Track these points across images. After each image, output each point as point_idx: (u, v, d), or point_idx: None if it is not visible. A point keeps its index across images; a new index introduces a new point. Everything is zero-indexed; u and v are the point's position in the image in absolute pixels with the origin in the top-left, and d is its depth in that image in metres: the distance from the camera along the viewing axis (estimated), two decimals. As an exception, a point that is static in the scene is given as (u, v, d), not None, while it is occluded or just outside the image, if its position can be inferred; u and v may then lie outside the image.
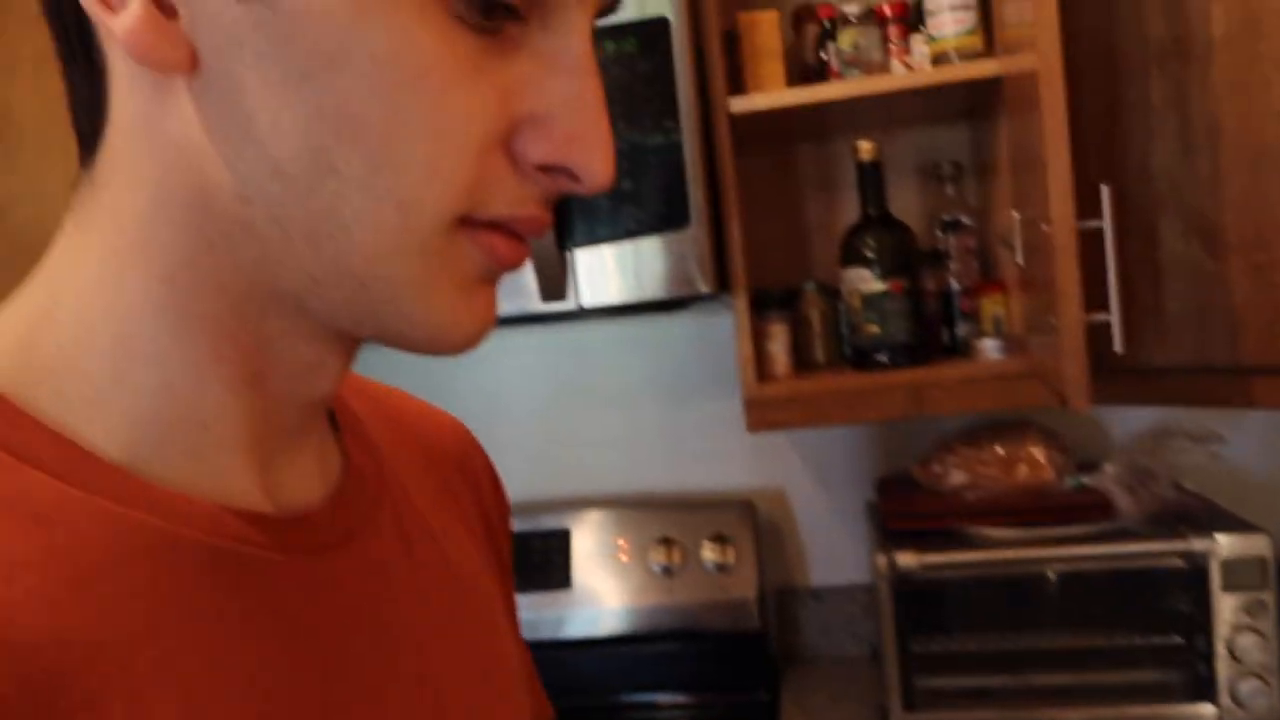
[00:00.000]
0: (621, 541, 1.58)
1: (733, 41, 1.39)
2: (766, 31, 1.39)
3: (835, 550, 1.65)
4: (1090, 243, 1.06)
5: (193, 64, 0.32)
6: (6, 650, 0.29)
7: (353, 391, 0.49)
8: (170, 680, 0.32)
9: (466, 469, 0.54)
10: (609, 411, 1.68)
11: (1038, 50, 1.01)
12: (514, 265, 0.37)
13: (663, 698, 1.56)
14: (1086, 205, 1.10)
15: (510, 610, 0.55)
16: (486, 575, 0.50)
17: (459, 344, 0.36)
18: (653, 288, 1.26)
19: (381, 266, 0.34)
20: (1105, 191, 1.03)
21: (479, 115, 0.33)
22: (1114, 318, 1.02)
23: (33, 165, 1.51)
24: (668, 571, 1.56)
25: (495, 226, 0.35)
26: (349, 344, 0.39)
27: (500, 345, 1.70)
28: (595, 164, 0.35)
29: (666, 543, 1.57)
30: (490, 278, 0.37)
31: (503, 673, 0.48)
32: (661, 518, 1.59)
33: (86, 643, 0.31)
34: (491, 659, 0.47)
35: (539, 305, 1.28)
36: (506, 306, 1.26)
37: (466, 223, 0.35)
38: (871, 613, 1.60)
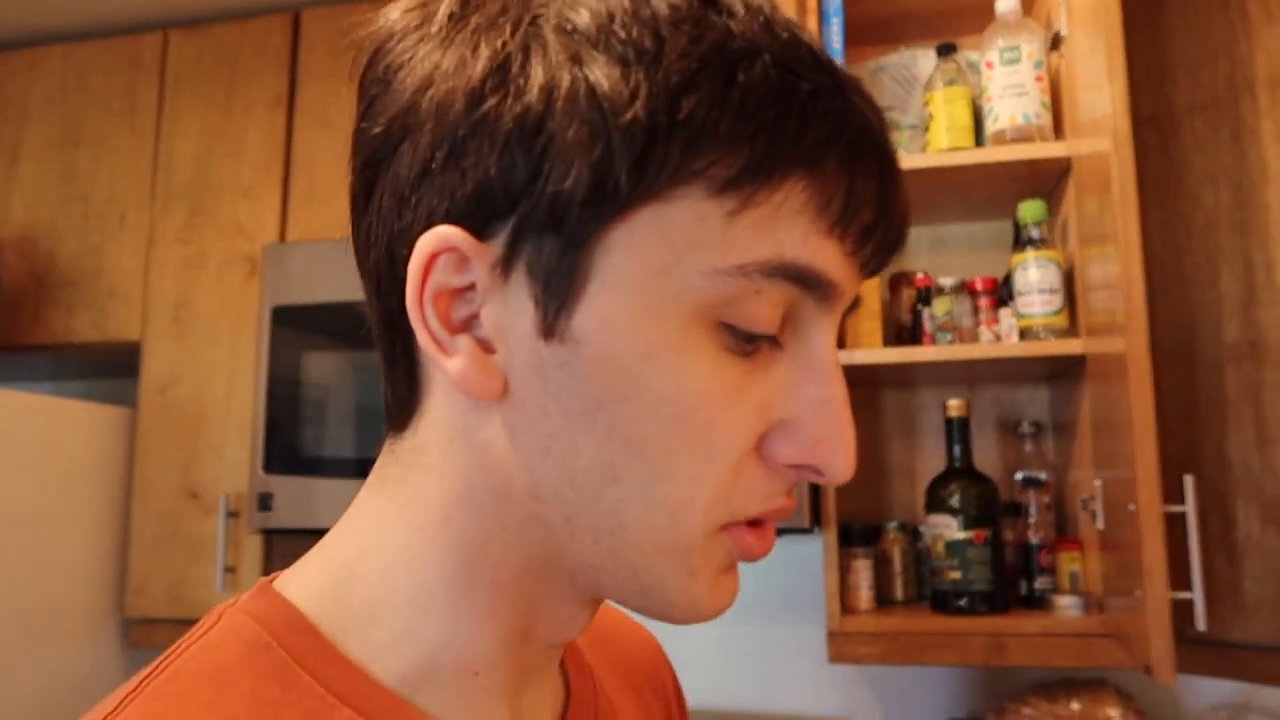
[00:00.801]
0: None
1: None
2: (867, 293, 1.55)
3: (901, 792, 1.66)
4: (1171, 522, 1.15)
5: (505, 392, 0.39)
6: None
7: None
8: None
9: (656, 681, 0.60)
10: (690, 629, 1.74)
11: (1129, 336, 1.14)
12: (761, 556, 0.41)
13: None
14: (1169, 489, 1.20)
15: None
16: None
17: (708, 617, 0.41)
18: (754, 517, 1.36)
19: (653, 561, 0.39)
20: (1189, 481, 1.12)
21: (742, 433, 0.38)
22: (1197, 596, 1.09)
23: (200, 352, 1.68)
24: (734, 796, 1.57)
25: (749, 523, 0.40)
26: (599, 603, 0.45)
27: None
28: (839, 462, 0.39)
29: (735, 765, 1.59)
30: (736, 564, 0.42)
31: None
32: (732, 739, 1.62)
33: None
34: None
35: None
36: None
37: (728, 525, 0.40)
38: None
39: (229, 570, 1.59)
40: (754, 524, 0.40)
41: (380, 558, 0.42)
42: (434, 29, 0.39)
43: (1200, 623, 1.10)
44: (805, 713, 1.70)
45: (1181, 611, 1.16)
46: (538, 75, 0.36)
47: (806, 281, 0.38)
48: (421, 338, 0.39)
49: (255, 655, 0.39)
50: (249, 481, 1.56)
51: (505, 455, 0.39)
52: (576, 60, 0.36)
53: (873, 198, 0.38)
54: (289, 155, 1.70)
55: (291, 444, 1.53)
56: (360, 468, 1.51)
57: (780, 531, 1.49)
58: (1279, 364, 1.22)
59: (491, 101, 0.37)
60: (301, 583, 0.42)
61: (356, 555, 0.42)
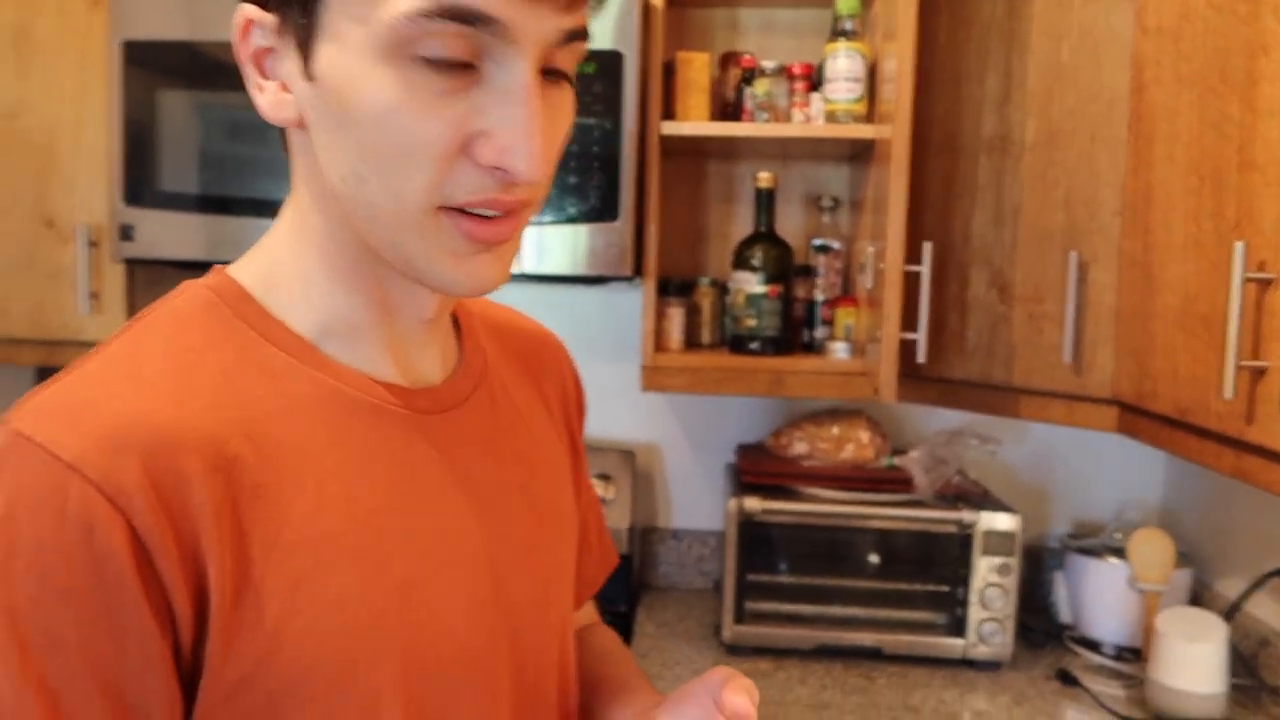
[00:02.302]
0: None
1: (669, 73, 1.70)
2: (698, 69, 1.71)
3: (695, 500, 2.00)
4: (915, 280, 1.42)
5: (301, 123, 0.55)
6: (235, 446, 0.52)
7: (478, 308, 0.75)
8: (323, 475, 0.54)
9: (555, 372, 0.78)
10: (525, 362, 1.98)
11: (894, 126, 1.36)
12: (491, 240, 0.54)
13: (539, 603, 1.86)
14: (918, 253, 1.46)
15: (580, 474, 0.79)
16: (559, 446, 0.75)
17: (467, 293, 0.56)
18: (582, 265, 1.56)
19: (399, 237, 0.54)
20: (927, 246, 1.39)
21: (438, 137, 0.51)
22: (921, 336, 1.38)
23: (43, 79, 1.69)
24: (556, 501, 1.87)
25: (465, 213, 0.53)
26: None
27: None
28: (520, 164, 0.51)
29: (559, 477, 1.87)
30: (480, 250, 0.54)
31: (563, 516, 0.71)
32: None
33: (280, 444, 0.54)
34: (555, 505, 0.70)
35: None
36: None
37: (443, 209, 0.53)
38: (718, 554, 1.95)
39: (93, 296, 1.69)
40: (481, 218, 0.54)
41: (289, 247, 0.60)
42: None
43: (921, 355, 1.40)
44: (622, 438, 1.99)
45: (913, 351, 1.46)
46: None
47: (469, 20, 0.49)
48: (249, 84, 0.56)
49: (207, 310, 0.57)
50: (109, 213, 1.64)
51: (318, 167, 0.56)
52: None
53: None
54: (131, -119, 1.66)
55: (150, 178, 1.60)
56: (214, 204, 1.61)
57: (604, 280, 1.70)
58: (1019, 157, 1.47)
59: None
60: (241, 267, 0.61)
61: (274, 245, 0.60)
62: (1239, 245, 1.01)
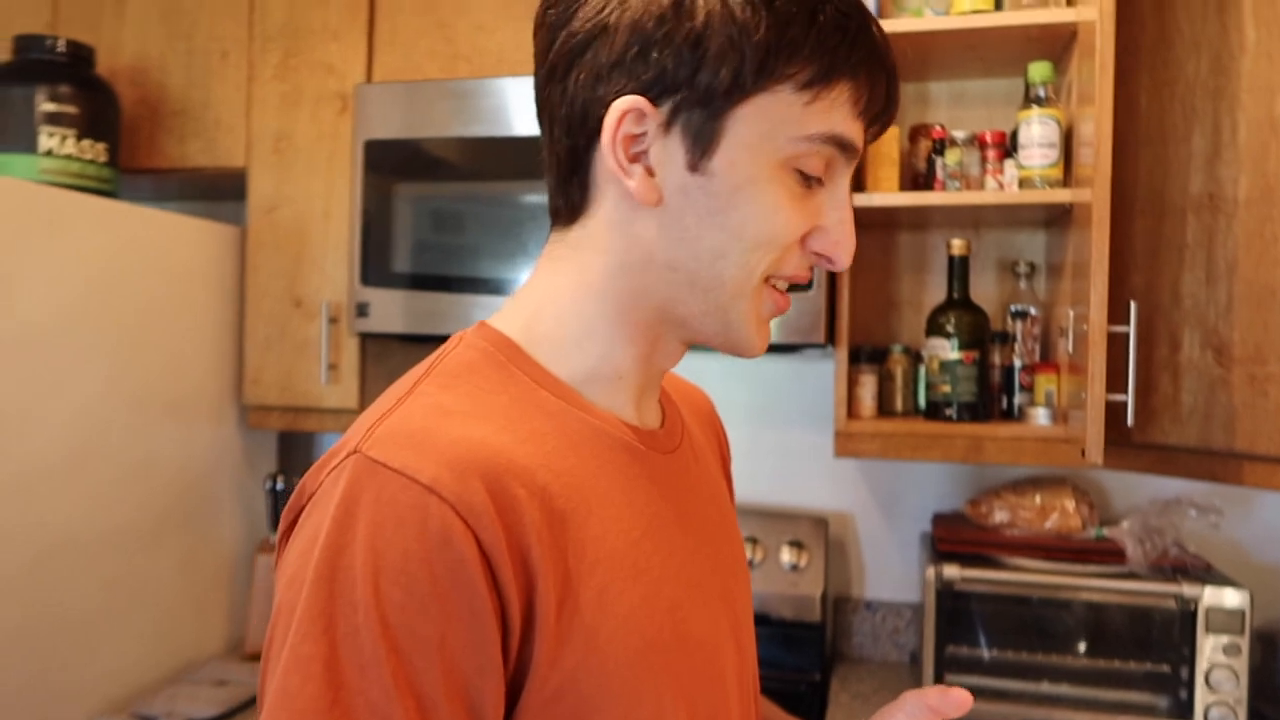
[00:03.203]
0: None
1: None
2: (887, 142, 1.75)
3: (890, 570, 1.97)
4: (1123, 343, 1.39)
5: (660, 201, 0.63)
6: (542, 476, 0.58)
7: None
8: (603, 503, 0.61)
9: (710, 420, 0.88)
10: (733, 432, 2.03)
11: (1094, 188, 1.35)
12: (785, 309, 0.68)
13: (733, 668, 1.88)
14: (1123, 314, 1.43)
15: None
16: (726, 491, 0.83)
17: (755, 353, 0.67)
18: (778, 333, 1.62)
19: (730, 302, 0.65)
20: (1133, 306, 1.35)
21: (797, 228, 0.64)
22: (1129, 399, 1.34)
23: (300, 179, 1.92)
24: (750, 565, 1.89)
25: (772, 286, 0.66)
26: (688, 347, 0.72)
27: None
28: (844, 258, 0.66)
29: (752, 541, 1.90)
30: (772, 318, 0.68)
31: (742, 552, 0.80)
32: (751, 521, 1.93)
33: (571, 475, 0.60)
34: (739, 543, 0.79)
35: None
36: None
37: (768, 280, 0.66)
38: (914, 626, 1.91)
39: (332, 367, 1.87)
40: (779, 291, 0.67)
41: (556, 305, 0.68)
42: None
43: (1130, 419, 1.36)
44: (815, 506, 2.00)
45: (1122, 415, 1.41)
46: (701, 9, 0.60)
47: (844, 146, 0.63)
48: (611, 164, 0.63)
49: (486, 359, 0.66)
50: (348, 292, 1.83)
51: (653, 241, 0.64)
52: (726, 2, 0.60)
53: (882, 95, 0.65)
54: (372, 4, 1.89)
55: (383, 261, 1.78)
56: (437, 282, 1.77)
57: (800, 348, 1.75)
58: (1230, 214, 1.42)
59: (672, 22, 0.61)
60: (502, 322, 0.69)
61: (539, 303, 0.68)
62: None
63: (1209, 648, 1.50)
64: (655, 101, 0.61)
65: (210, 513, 1.92)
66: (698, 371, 2.06)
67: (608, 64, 0.62)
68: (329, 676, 0.51)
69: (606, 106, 0.62)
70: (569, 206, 0.67)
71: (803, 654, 1.86)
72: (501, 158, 1.76)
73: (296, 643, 0.52)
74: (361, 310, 1.79)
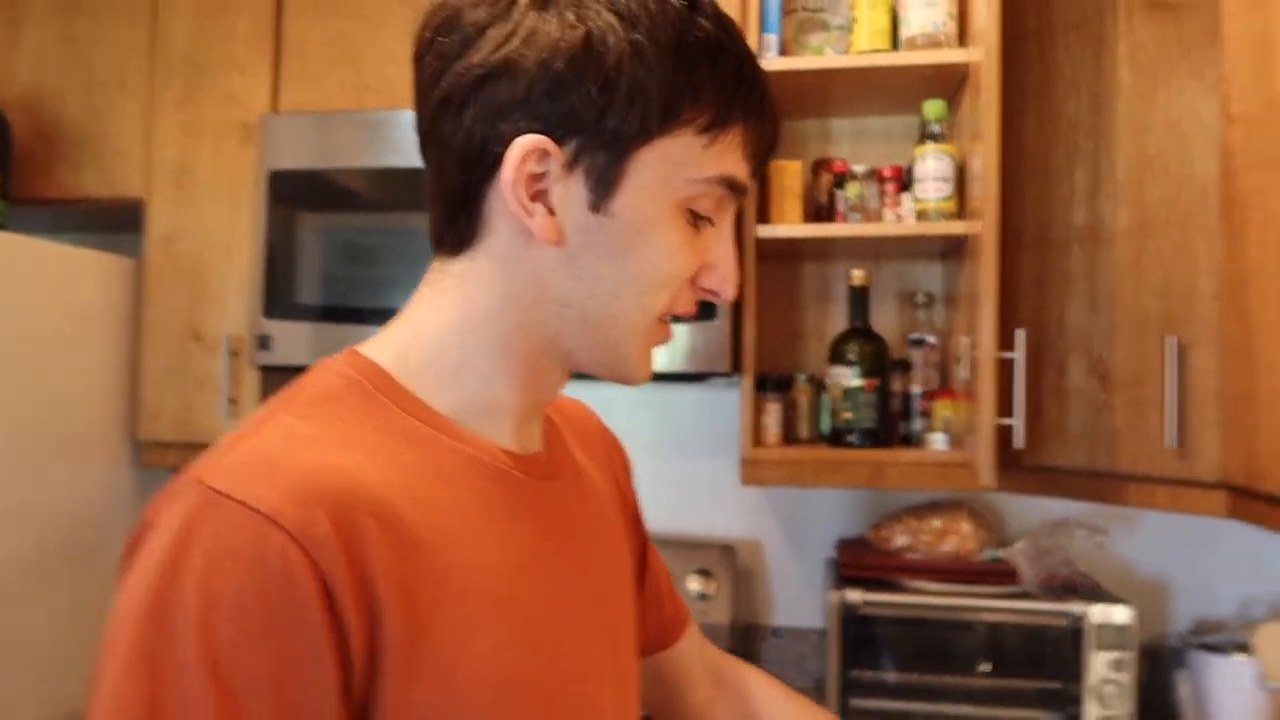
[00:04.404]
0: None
1: (764, 181, 1.79)
2: (791, 176, 1.79)
3: (797, 596, 1.99)
4: (1011, 369, 1.44)
5: (561, 241, 0.63)
6: (400, 505, 0.57)
7: None
8: (471, 534, 0.60)
9: (598, 438, 0.87)
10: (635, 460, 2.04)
11: (983, 221, 1.40)
12: (669, 340, 0.70)
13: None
14: (1012, 341, 1.48)
15: (642, 530, 0.89)
16: (616, 512, 0.83)
17: (642, 381, 0.68)
18: (682, 363, 1.63)
19: (627, 341, 0.66)
20: (1020, 334, 1.41)
21: (686, 270, 0.65)
22: (1018, 421, 1.39)
23: (201, 210, 1.89)
24: (660, 596, 1.89)
25: (667, 320, 0.68)
26: (570, 375, 0.72)
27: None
28: (731, 291, 0.68)
29: (662, 572, 1.91)
30: (655, 347, 0.69)
31: (630, 576, 0.80)
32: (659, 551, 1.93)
33: (435, 504, 0.59)
34: (627, 565, 0.79)
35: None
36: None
37: (662, 318, 0.67)
38: (820, 652, 1.93)
39: (232, 402, 1.83)
40: (666, 323, 0.69)
41: (434, 334, 0.67)
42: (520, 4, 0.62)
43: (1019, 441, 1.41)
44: (723, 534, 2.02)
45: (1011, 439, 1.46)
46: (612, 54, 0.61)
47: (734, 187, 0.66)
48: (511, 203, 0.63)
49: (351, 386, 0.64)
50: (249, 325, 1.80)
51: (547, 277, 0.64)
52: (635, 47, 0.61)
53: (769, 137, 0.68)
54: (279, 36, 1.87)
55: (287, 292, 1.76)
56: (342, 314, 1.75)
57: (706, 377, 1.77)
58: (1110, 245, 1.49)
59: (582, 64, 0.61)
60: (374, 350, 0.68)
61: (415, 332, 0.67)
62: (1334, 320, 1.02)
63: (1098, 664, 1.55)
64: (560, 141, 0.61)
65: (101, 556, 1.85)
66: (601, 402, 2.06)
67: (510, 101, 0.61)
68: (149, 715, 0.49)
69: (506, 143, 0.61)
70: (455, 238, 0.67)
71: (713, 682, 1.86)
72: (414, 189, 1.76)
73: (118, 679, 0.50)
74: (263, 343, 1.76)
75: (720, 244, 0.67)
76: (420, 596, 0.56)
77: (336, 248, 1.77)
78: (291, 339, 1.76)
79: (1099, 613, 1.55)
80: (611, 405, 2.05)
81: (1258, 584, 1.82)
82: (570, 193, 0.62)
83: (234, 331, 1.84)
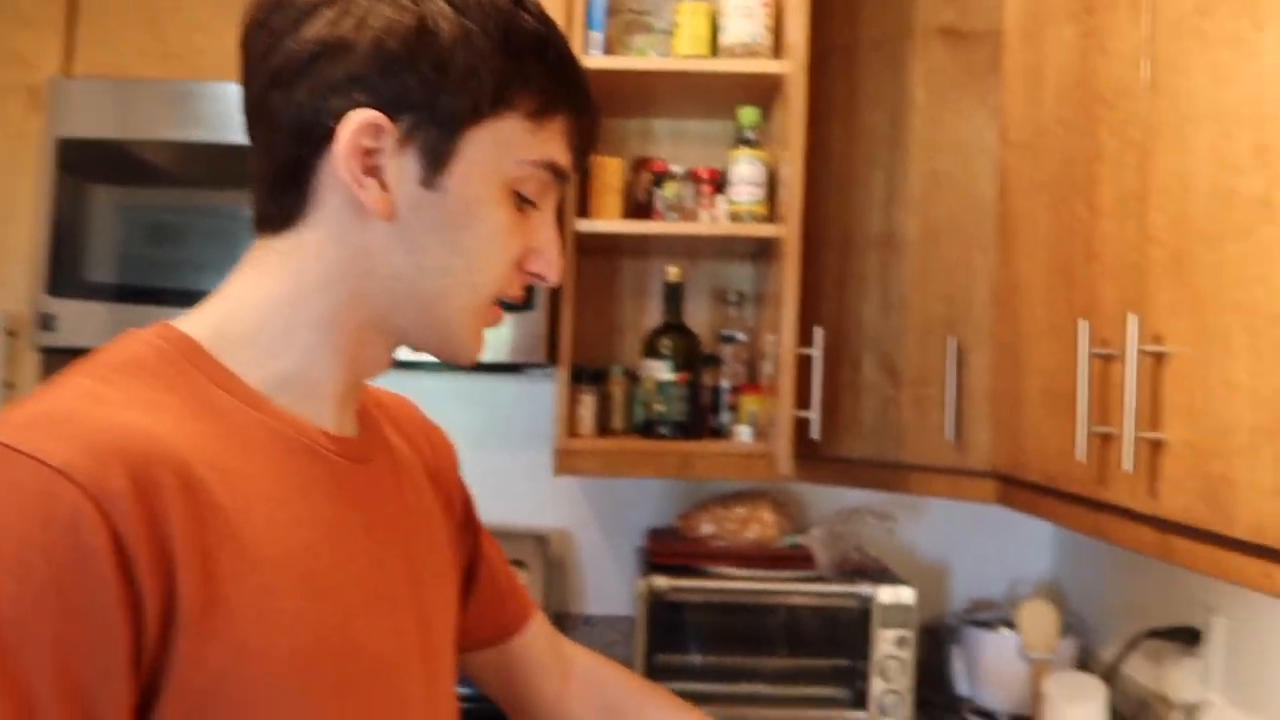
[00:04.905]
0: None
1: (585, 177, 1.82)
2: (611, 173, 1.83)
3: (609, 585, 2.04)
4: (810, 365, 1.53)
5: (393, 215, 0.64)
6: (200, 470, 0.56)
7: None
8: (273, 505, 0.60)
9: (421, 430, 0.87)
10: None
11: (787, 224, 1.48)
12: (499, 322, 0.72)
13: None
14: (812, 339, 1.57)
15: (463, 531, 0.88)
16: (436, 504, 0.82)
17: (473, 360, 0.70)
18: (499, 353, 1.64)
19: (457, 319, 0.67)
20: (819, 331, 1.50)
21: (513, 251, 0.68)
22: (814, 416, 1.48)
23: None
24: (473, 586, 1.89)
25: (499, 304, 0.70)
26: (394, 355, 0.72)
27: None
28: (555, 275, 0.70)
29: (475, 562, 1.90)
30: (486, 328, 0.72)
31: (449, 563, 0.80)
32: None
33: (237, 474, 0.59)
34: (444, 552, 0.79)
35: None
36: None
37: (492, 300, 0.69)
38: (630, 638, 1.98)
39: (8, 386, 1.70)
40: (497, 305, 0.71)
41: (256, 307, 0.65)
42: None
43: (815, 432, 1.50)
44: (537, 525, 2.03)
45: (809, 431, 1.55)
46: (446, 37, 0.63)
47: (558, 173, 0.69)
48: (344, 176, 0.63)
49: (159, 356, 0.62)
50: (31, 303, 1.67)
51: (378, 252, 0.65)
52: (467, 33, 0.63)
53: (590, 129, 0.71)
54: (72, -11, 1.75)
55: (75, 270, 1.65)
56: (140, 294, 1.65)
57: (523, 368, 1.78)
58: (902, 253, 1.61)
59: (416, 45, 0.62)
60: (188, 324, 0.65)
61: (234, 307, 0.66)
62: (1084, 326, 1.14)
63: (882, 641, 1.66)
64: (393, 117, 0.63)
65: None
66: (419, 393, 2.03)
67: (344, 77, 0.62)
68: None
69: (338, 118, 0.62)
70: (282, 214, 0.66)
71: (524, 671, 1.88)
72: (223, 165, 1.68)
73: None
74: (46, 323, 1.64)
75: (545, 229, 0.70)
76: (219, 562, 0.55)
77: (134, 224, 1.67)
78: (80, 319, 1.65)
79: (885, 594, 1.67)
80: (426, 396, 2.02)
81: (1024, 565, 2.00)
82: (403, 168, 0.64)
83: (13, 309, 1.71)
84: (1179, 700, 1.53)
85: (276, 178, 0.66)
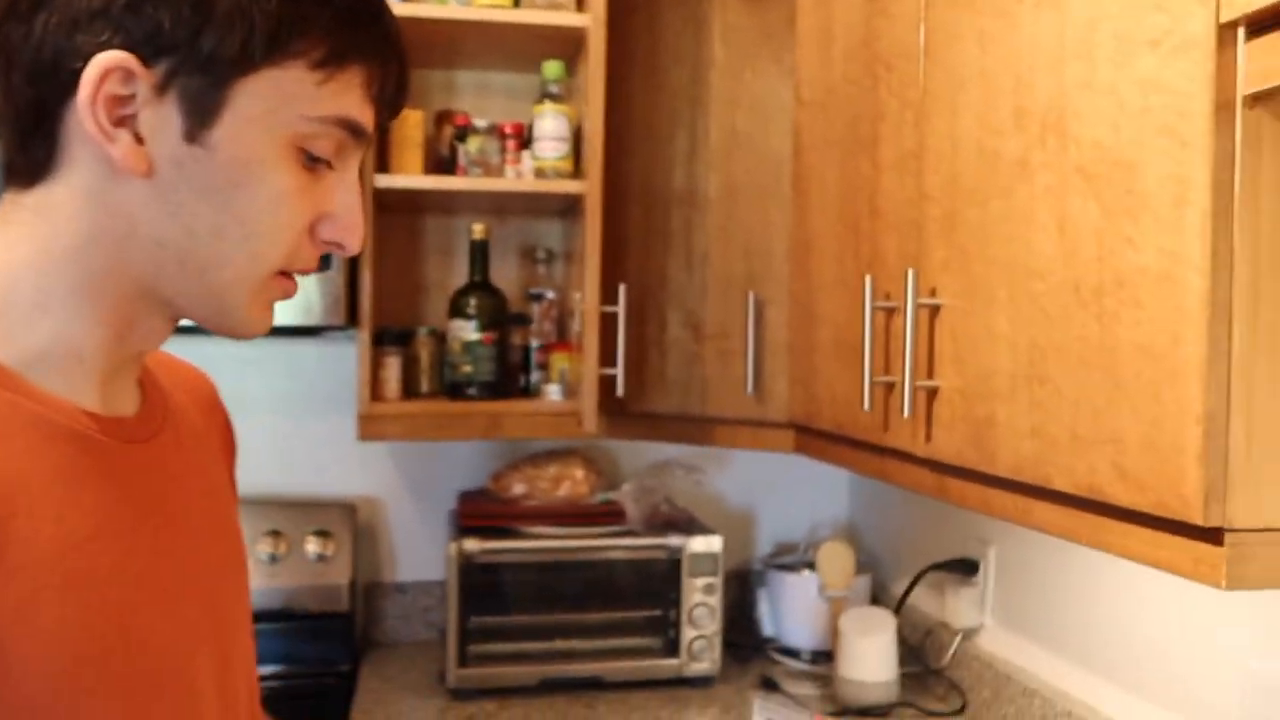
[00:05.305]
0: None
1: (383, 129, 1.74)
2: (412, 126, 1.76)
3: (421, 551, 2.00)
4: (615, 322, 1.54)
5: (150, 172, 0.58)
6: None
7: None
8: (36, 501, 0.54)
9: (211, 403, 0.81)
10: (236, 420, 1.91)
11: (588, 181, 1.47)
12: (292, 295, 0.66)
13: (262, 669, 1.79)
14: (617, 296, 1.58)
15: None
16: (228, 489, 0.78)
17: (256, 335, 0.65)
18: (296, 315, 1.56)
19: (235, 290, 0.61)
20: (622, 288, 1.50)
21: (303, 215, 0.62)
22: (619, 372, 1.49)
23: None
24: (274, 560, 1.82)
25: (284, 274, 0.64)
26: (174, 325, 0.66)
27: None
28: (355, 243, 0.64)
29: (275, 534, 1.83)
30: (276, 302, 0.65)
31: (241, 551, 0.75)
32: (273, 514, 1.85)
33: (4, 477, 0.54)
34: (236, 539, 0.74)
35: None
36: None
37: (281, 272, 0.63)
38: (445, 603, 1.95)
39: None
40: (288, 276, 0.65)
41: (3, 274, 0.58)
42: None
43: (620, 390, 1.51)
44: (343, 493, 1.97)
45: (615, 387, 1.56)
46: None
47: (355, 130, 0.62)
48: (90, 128, 0.56)
49: None
50: None
51: (137, 213, 0.59)
52: None
53: (394, 80, 0.64)
54: None
55: None
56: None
57: (321, 330, 1.70)
58: (704, 210, 1.63)
59: None
60: None
61: None
62: (868, 279, 1.19)
63: (691, 590, 1.71)
64: (147, 61, 0.56)
65: None
66: (209, 359, 1.91)
67: (88, 10, 0.55)
68: None
69: (85, 59, 0.55)
70: (30, 165, 0.59)
71: (331, 645, 1.83)
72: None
73: None
74: None
75: (342, 192, 0.64)
76: None
77: None
78: None
79: (694, 544, 1.71)
80: (221, 364, 1.91)
81: (824, 510, 2.10)
82: (162, 119, 0.57)
83: None
84: (959, 625, 1.66)
85: (20, 124, 0.59)
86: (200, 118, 0.58)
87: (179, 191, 0.59)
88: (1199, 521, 0.71)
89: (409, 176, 1.71)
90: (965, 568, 1.64)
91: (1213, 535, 0.71)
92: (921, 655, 1.76)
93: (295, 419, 1.95)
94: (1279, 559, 0.71)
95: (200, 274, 0.60)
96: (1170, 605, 1.22)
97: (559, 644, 1.72)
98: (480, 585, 1.68)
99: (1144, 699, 1.27)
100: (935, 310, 1.08)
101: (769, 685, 1.70)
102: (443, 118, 1.89)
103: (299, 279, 0.65)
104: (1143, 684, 1.27)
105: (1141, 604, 1.27)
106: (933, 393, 1.08)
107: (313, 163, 0.62)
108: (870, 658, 1.56)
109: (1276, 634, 1.07)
